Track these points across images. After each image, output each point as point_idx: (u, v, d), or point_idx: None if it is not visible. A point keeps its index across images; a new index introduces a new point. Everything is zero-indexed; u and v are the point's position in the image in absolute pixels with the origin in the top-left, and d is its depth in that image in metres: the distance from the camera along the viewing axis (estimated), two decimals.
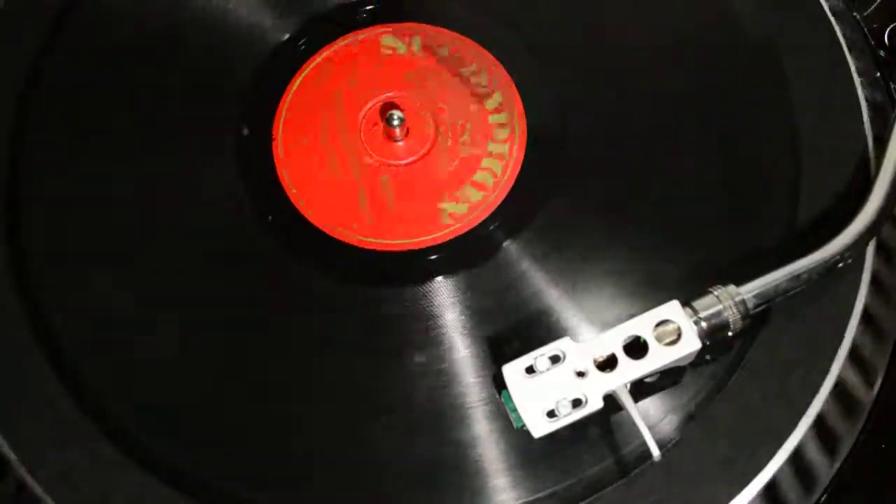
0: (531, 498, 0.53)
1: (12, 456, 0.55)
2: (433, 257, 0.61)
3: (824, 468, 0.56)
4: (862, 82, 0.63)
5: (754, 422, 0.54)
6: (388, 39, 0.67)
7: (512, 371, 0.52)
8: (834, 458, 0.57)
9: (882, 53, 0.67)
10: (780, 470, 0.53)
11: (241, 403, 0.57)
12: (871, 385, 0.58)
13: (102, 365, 0.58)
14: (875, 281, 0.58)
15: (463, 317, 0.58)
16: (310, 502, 0.55)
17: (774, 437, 0.53)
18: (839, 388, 0.55)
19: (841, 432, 0.57)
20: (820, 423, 0.55)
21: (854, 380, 0.57)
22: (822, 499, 0.57)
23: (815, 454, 0.55)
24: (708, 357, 0.55)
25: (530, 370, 0.52)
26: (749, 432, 0.53)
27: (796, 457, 0.54)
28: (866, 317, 0.57)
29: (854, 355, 0.56)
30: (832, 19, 0.65)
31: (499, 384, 0.54)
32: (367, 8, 0.68)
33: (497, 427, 0.55)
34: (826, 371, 0.55)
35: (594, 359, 0.52)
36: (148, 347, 0.58)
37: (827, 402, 0.54)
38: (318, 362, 0.58)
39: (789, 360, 0.55)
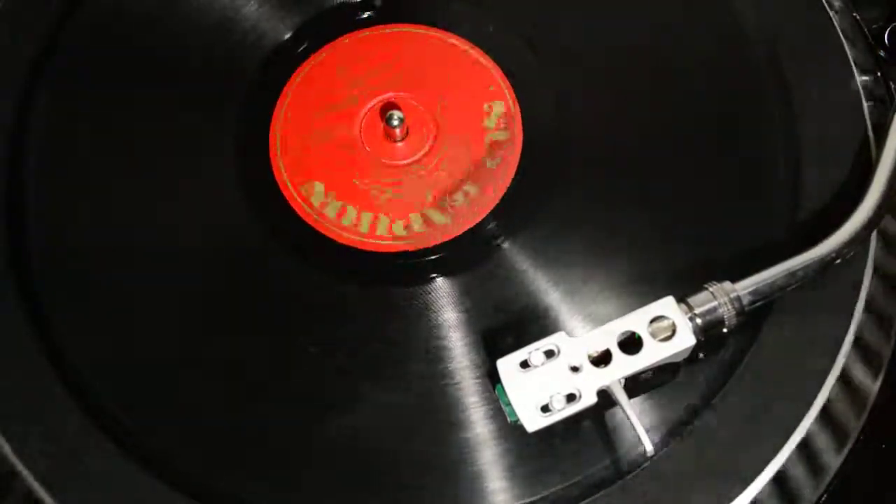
0: (528, 500, 0.53)
1: (13, 457, 0.55)
2: (431, 257, 0.61)
3: (830, 460, 0.56)
4: (862, 82, 0.63)
5: (756, 416, 0.54)
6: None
7: (506, 365, 0.52)
8: (840, 448, 0.57)
9: (882, 53, 0.67)
10: (787, 463, 0.53)
11: (242, 403, 0.57)
12: (875, 374, 0.58)
13: (103, 365, 0.58)
14: (878, 270, 0.58)
15: (461, 316, 0.58)
16: (308, 501, 0.55)
17: (779, 430, 0.53)
18: (844, 379, 0.55)
19: (847, 423, 0.57)
20: (826, 416, 0.54)
21: (859, 370, 0.57)
22: (823, 498, 0.56)
23: (821, 446, 0.55)
24: (701, 354, 0.55)
25: (524, 364, 0.52)
26: (751, 426, 0.53)
27: (803, 449, 0.54)
28: (870, 306, 0.57)
29: (858, 345, 0.56)
30: (833, 19, 0.65)
31: (493, 378, 0.54)
32: (368, 8, 0.68)
33: (494, 428, 0.55)
34: (831, 362, 0.55)
35: (588, 354, 0.52)
36: (149, 347, 0.59)
37: (832, 394, 0.54)
38: (315, 362, 0.58)
39: (792, 352, 0.55)
